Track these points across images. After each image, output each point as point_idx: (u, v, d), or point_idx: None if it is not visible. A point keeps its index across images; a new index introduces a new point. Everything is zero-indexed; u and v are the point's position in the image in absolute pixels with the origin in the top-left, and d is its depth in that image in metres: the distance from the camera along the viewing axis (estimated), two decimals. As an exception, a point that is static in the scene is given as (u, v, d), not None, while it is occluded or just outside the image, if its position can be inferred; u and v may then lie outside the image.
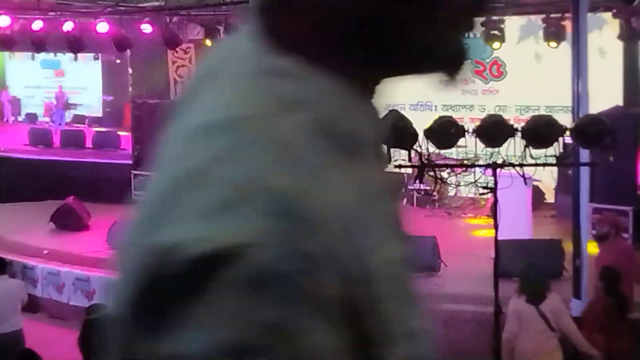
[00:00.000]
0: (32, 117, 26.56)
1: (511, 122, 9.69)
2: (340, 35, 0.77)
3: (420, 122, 9.11)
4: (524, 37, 15.74)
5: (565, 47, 12.10)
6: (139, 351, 0.67)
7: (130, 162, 17.53)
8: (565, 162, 10.26)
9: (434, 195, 14.23)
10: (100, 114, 25.66)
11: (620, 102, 13.87)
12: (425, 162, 9.23)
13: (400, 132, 8.53)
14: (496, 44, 13.90)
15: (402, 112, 11.54)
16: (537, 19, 14.38)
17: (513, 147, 8.88)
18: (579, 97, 9.79)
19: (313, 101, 0.74)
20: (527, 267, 7.56)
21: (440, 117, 9.42)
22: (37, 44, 16.00)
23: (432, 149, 9.27)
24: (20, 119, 27.20)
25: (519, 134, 8.82)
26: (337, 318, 0.66)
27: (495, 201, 7.84)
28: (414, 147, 8.93)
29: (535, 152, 8.82)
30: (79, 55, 17.72)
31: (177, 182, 0.69)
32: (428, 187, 13.82)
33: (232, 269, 0.64)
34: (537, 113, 12.67)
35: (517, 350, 7.29)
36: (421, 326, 0.77)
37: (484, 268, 9.04)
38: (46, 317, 12.62)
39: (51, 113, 26.07)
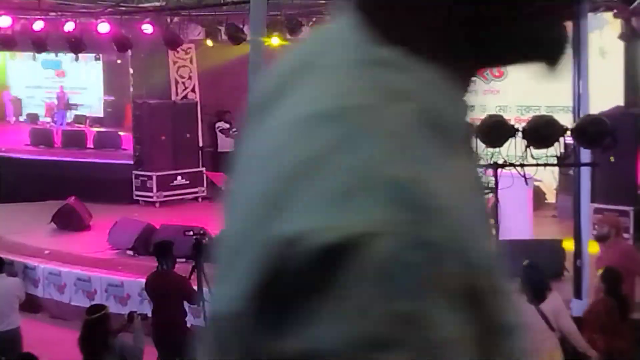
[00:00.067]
0: (33, 118, 26.54)
1: (512, 122, 9.69)
2: (444, 26, 0.77)
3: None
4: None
5: (566, 47, 12.08)
6: (260, 349, 0.65)
7: (131, 162, 17.53)
8: (566, 162, 10.26)
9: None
10: (101, 114, 25.64)
11: (621, 102, 13.86)
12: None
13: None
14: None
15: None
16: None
17: (514, 147, 8.88)
18: (579, 97, 9.78)
19: (418, 92, 0.74)
20: (528, 267, 7.55)
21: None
22: (38, 44, 16.02)
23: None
24: (21, 119, 27.19)
25: (520, 134, 8.82)
26: (463, 308, 0.65)
27: (496, 201, 7.84)
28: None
29: (536, 152, 8.82)
30: (80, 55, 17.74)
31: (292, 171, 0.68)
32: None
33: (360, 260, 0.63)
34: (537, 113, 12.67)
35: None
36: (518, 320, 0.77)
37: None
38: (47, 317, 12.61)
39: (52, 113, 26.07)
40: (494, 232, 0.76)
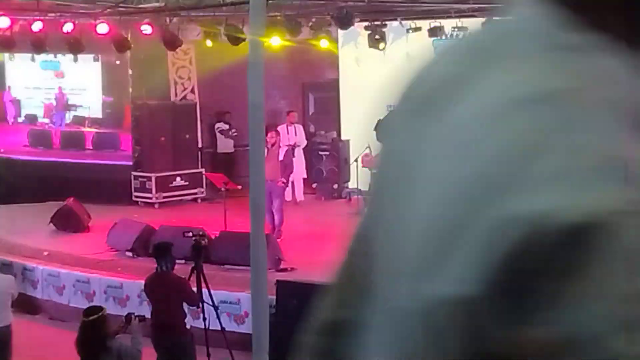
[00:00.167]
0: (32, 119, 26.52)
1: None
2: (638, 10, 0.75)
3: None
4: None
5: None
6: (491, 337, 0.64)
7: (130, 163, 17.52)
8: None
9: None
10: (100, 115, 25.62)
11: None
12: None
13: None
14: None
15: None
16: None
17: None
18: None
19: (614, 78, 0.73)
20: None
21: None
22: (37, 45, 16.00)
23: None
24: (20, 120, 27.17)
25: None
26: None
27: None
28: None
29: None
30: (79, 56, 17.73)
31: (512, 153, 0.67)
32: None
33: (609, 239, 0.62)
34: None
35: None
36: None
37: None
38: (46, 318, 12.60)
39: (51, 114, 26.05)
40: None
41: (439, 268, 0.69)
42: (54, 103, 26.17)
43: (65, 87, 26.23)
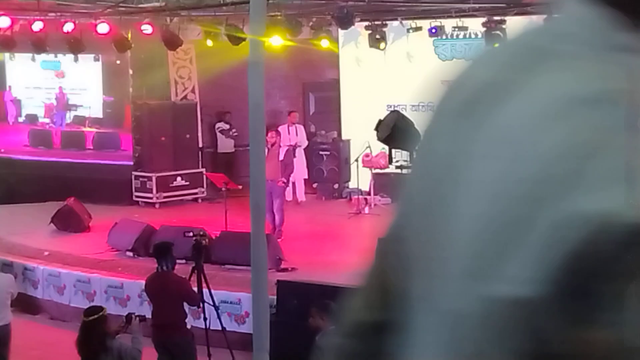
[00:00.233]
0: (32, 118, 26.48)
1: None
2: None
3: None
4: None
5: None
6: (554, 336, 0.63)
7: (130, 163, 17.51)
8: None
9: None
10: (100, 115, 25.57)
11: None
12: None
13: (401, 133, 8.50)
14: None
15: (404, 112, 11.51)
16: (539, 19, 14.36)
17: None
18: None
19: None
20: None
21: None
22: (38, 45, 16.00)
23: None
24: (20, 120, 27.15)
25: None
26: None
27: None
28: (416, 148, 8.90)
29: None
30: (80, 56, 17.70)
31: (576, 150, 0.66)
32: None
33: None
34: None
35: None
36: None
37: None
38: (47, 318, 12.60)
39: (51, 114, 26.01)
40: None
41: (496, 269, 0.67)
42: (55, 103, 26.13)
43: (66, 87, 26.18)
